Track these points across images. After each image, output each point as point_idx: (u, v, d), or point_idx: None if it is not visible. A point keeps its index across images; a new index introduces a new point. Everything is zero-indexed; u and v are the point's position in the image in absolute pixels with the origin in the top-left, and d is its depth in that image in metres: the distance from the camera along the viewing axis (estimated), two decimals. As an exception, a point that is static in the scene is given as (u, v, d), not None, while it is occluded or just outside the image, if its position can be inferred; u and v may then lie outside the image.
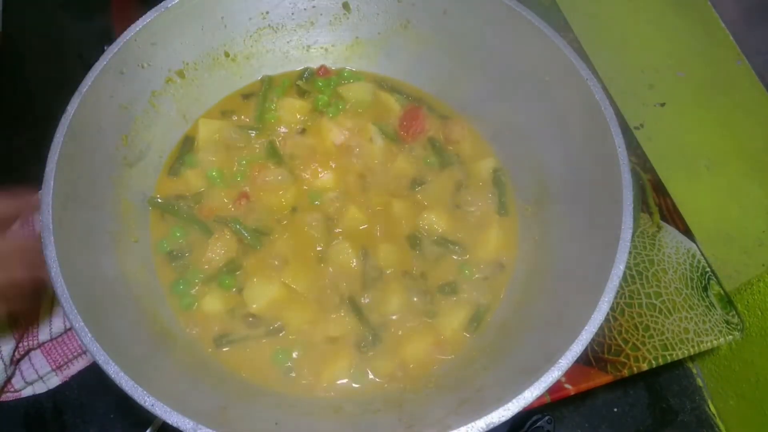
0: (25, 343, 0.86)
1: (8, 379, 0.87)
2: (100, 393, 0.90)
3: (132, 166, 0.81)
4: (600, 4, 1.27)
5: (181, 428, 0.55)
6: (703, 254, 0.97)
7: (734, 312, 0.92)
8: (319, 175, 0.85)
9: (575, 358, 0.59)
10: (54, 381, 0.91)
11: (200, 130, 0.88)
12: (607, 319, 0.61)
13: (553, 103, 0.80)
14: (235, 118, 0.91)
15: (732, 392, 0.99)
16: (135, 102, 0.81)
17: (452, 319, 0.77)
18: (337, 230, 0.82)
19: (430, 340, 0.76)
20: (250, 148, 0.88)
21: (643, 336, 0.89)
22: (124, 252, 0.76)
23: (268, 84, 0.93)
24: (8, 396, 0.89)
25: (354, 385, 0.73)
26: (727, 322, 0.91)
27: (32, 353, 0.89)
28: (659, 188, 1.03)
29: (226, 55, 0.90)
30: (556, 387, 0.70)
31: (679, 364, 1.02)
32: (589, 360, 0.87)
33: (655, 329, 0.90)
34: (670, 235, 0.99)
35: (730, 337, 0.90)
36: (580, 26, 1.17)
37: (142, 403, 0.55)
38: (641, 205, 1.01)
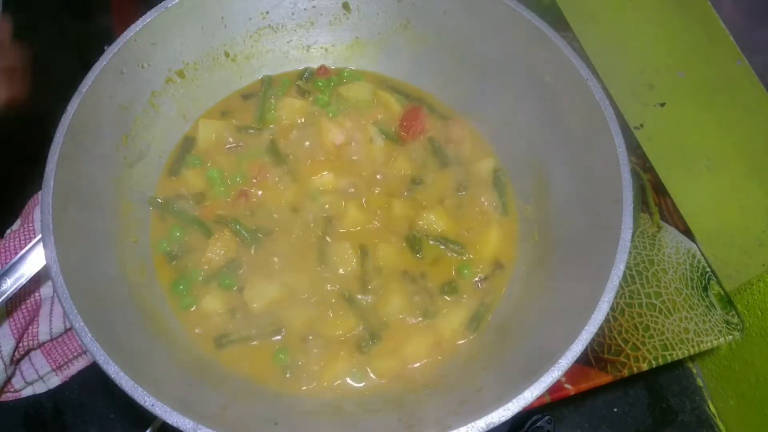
0: (25, 343, 0.86)
1: (8, 379, 0.87)
2: (100, 393, 0.90)
3: (132, 166, 0.81)
4: (600, 4, 1.27)
5: (181, 428, 0.55)
6: (703, 254, 0.97)
7: (734, 312, 0.92)
8: (319, 175, 0.85)
9: (575, 358, 0.59)
10: (54, 381, 0.92)
11: (200, 131, 0.88)
12: (607, 319, 0.61)
13: (553, 103, 0.80)
14: (235, 119, 0.91)
15: (732, 392, 1.00)
16: (135, 102, 0.81)
17: (452, 319, 0.77)
18: (337, 230, 0.82)
19: (430, 340, 0.76)
20: (250, 148, 0.88)
21: (643, 336, 0.89)
22: (124, 252, 0.76)
23: (268, 84, 0.93)
24: (8, 396, 0.89)
25: (354, 385, 0.73)
26: (727, 322, 0.91)
27: (32, 353, 0.90)
28: (659, 188, 1.03)
29: (226, 55, 0.90)
30: (556, 387, 0.70)
31: (679, 364, 1.03)
32: (589, 360, 0.87)
33: (655, 329, 0.90)
34: (670, 235, 0.99)
35: (730, 337, 0.90)
36: (580, 26, 1.17)
37: (142, 403, 0.55)
38: (641, 205, 1.01)
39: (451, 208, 0.85)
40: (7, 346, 0.83)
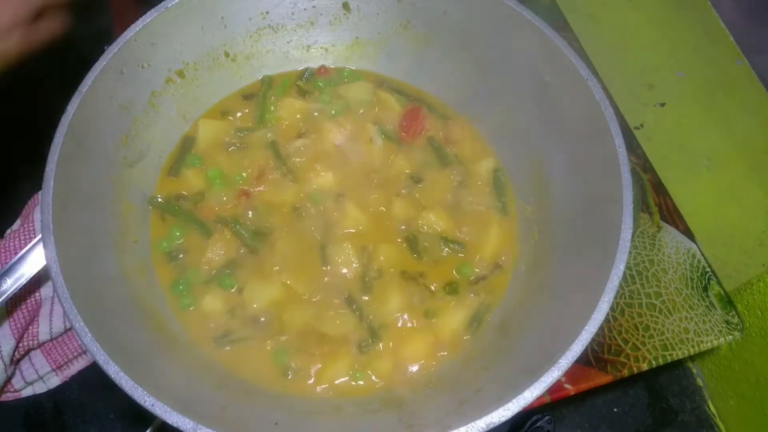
0: (25, 343, 0.86)
1: (8, 379, 0.87)
2: (100, 393, 0.90)
3: (132, 166, 0.81)
4: (600, 3, 1.27)
5: (181, 428, 0.55)
6: (703, 254, 0.97)
7: (734, 312, 0.92)
8: (319, 175, 0.85)
9: (575, 358, 0.59)
10: (54, 381, 0.92)
11: (200, 130, 0.88)
12: (607, 319, 0.61)
13: (553, 103, 0.80)
14: (235, 118, 0.91)
15: (732, 392, 1.00)
16: (135, 102, 0.81)
17: (452, 319, 0.77)
18: (337, 230, 0.82)
19: (430, 340, 0.76)
20: (250, 148, 0.88)
21: (643, 336, 0.89)
22: (124, 252, 0.76)
23: (268, 84, 0.93)
24: (8, 396, 0.89)
25: (354, 385, 0.73)
26: (727, 322, 0.91)
27: (32, 353, 0.90)
28: (659, 188, 1.03)
29: (226, 55, 0.90)
30: (556, 387, 0.70)
31: (679, 364, 1.03)
32: (589, 360, 0.87)
33: (655, 329, 0.90)
34: (670, 235, 0.99)
35: (730, 337, 0.90)
36: (580, 26, 1.17)
37: (142, 403, 0.55)
38: (641, 205, 1.01)
39: (450, 208, 0.85)
40: (7, 346, 0.83)
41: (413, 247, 0.81)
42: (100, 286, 0.68)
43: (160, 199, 0.83)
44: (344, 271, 0.79)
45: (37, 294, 0.85)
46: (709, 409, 1.00)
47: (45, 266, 0.64)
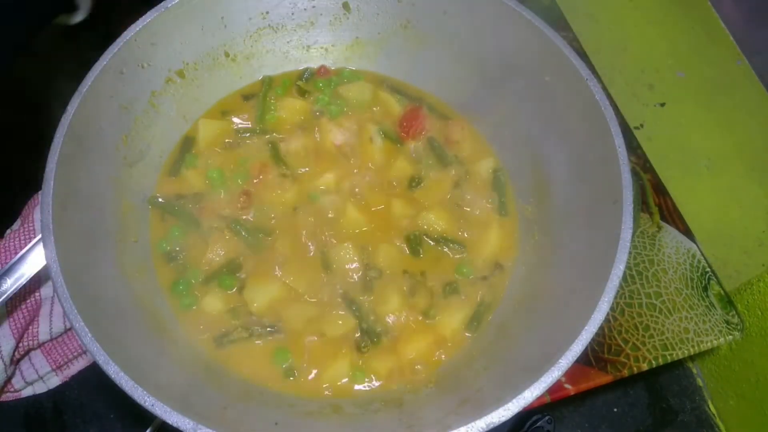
0: (25, 343, 0.86)
1: (8, 379, 0.87)
2: (100, 393, 0.90)
3: (132, 166, 0.81)
4: (600, 3, 1.27)
5: (181, 428, 0.55)
6: (703, 254, 0.97)
7: (734, 312, 0.92)
8: (320, 175, 0.85)
9: (575, 358, 0.59)
10: (54, 381, 0.92)
11: (200, 130, 0.88)
12: (607, 319, 0.61)
13: (553, 103, 0.80)
14: (235, 118, 0.91)
15: (732, 392, 1.00)
16: (135, 102, 0.81)
17: (452, 319, 0.77)
18: (337, 230, 0.82)
19: (429, 340, 0.76)
20: (250, 148, 0.88)
21: (643, 336, 0.89)
22: (124, 252, 0.76)
23: (268, 84, 0.93)
24: (8, 396, 0.89)
25: (354, 385, 0.73)
26: (727, 322, 0.91)
27: (32, 353, 0.90)
28: (659, 188, 1.03)
29: (226, 55, 0.90)
30: (556, 387, 0.70)
31: (679, 364, 1.03)
32: (589, 360, 0.87)
33: (655, 329, 0.90)
34: (670, 235, 0.99)
35: (730, 337, 0.90)
36: (580, 26, 1.17)
37: (142, 403, 0.55)
38: (641, 205, 1.01)
39: (450, 208, 0.85)
40: (7, 346, 0.83)
41: (413, 247, 0.81)
42: (100, 286, 0.68)
43: (160, 199, 0.83)
44: (344, 270, 0.79)
45: (37, 294, 0.85)
46: (709, 409, 1.00)
47: (45, 266, 0.64)
